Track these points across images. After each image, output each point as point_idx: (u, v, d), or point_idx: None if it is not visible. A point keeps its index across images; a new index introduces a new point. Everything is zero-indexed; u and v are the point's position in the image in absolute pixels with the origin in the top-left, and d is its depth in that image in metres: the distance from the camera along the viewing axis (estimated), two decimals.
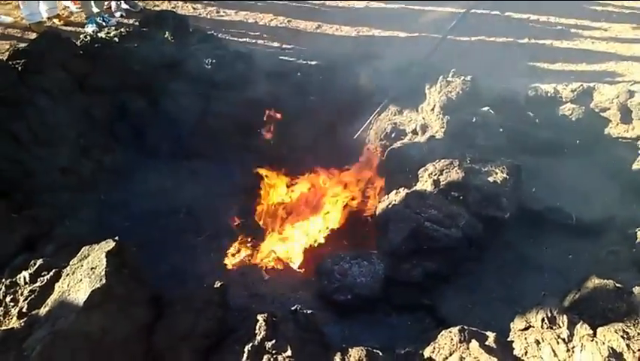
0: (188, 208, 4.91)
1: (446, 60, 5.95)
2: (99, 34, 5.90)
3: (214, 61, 5.81)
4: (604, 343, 2.25)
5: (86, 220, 4.46)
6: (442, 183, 4.23)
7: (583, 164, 4.97)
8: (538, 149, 5.12)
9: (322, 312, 3.82)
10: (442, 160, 4.40)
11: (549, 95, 5.21)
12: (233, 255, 4.51)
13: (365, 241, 4.70)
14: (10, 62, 4.79)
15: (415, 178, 4.52)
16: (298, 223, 5.15)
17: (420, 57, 5.57)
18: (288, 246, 4.86)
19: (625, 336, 2.27)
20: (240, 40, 7.40)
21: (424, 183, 4.33)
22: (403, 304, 3.90)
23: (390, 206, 4.30)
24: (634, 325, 2.34)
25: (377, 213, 4.46)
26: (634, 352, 2.20)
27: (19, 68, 4.77)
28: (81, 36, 5.64)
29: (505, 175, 4.27)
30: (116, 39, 5.80)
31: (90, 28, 7.15)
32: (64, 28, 7.42)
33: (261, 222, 5.06)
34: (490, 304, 3.84)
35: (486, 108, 4.94)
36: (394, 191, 4.47)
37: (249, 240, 4.69)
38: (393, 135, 5.39)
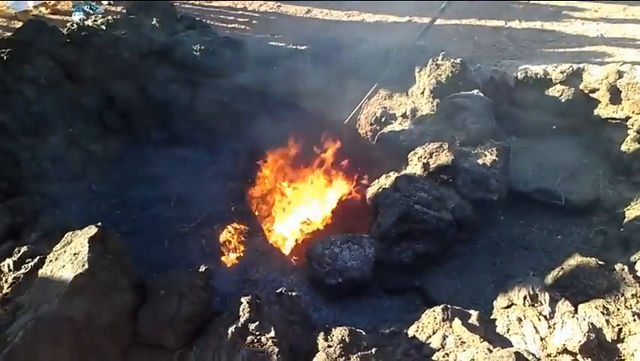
0: (178, 196, 4.90)
1: (436, 43, 5.92)
2: (86, 23, 5.83)
3: (203, 47, 5.77)
4: (584, 319, 2.27)
5: (75, 209, 4.48)
6: (431, 166, 4.23)
7: (572, 145, 4.97)
8: (528, 130, 5.12)
9: (314, 296, 3.86)
10: (432, 143, 4.40)
11: (539, 76, 5.19)
12: (224, 241, 4.51)
13: (355, 224, 4.71)
14: None
15: (405, 162, 4.52)
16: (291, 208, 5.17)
17: (410, 40, 5.52)
18: (280, 230, 4.89)
19: (605, 312, 2.30)
20: (229, 26, 7.34)
21: (414, 167, 4.34)
22: (393, 286, 3.94)
23: (380, 190, 4.31)
24: (614, 301, 2.37)
25: (367, 197, 4.47)
26: (613, 327, 2.23)
27: (5, 57, 4.73)
28: (68, 24, 5.58)
29: (494, 157, 4.28)
30: (104, 27, 5.74)
31: (77, 17, 7.08)
32: (51, 16, 7.35)
33: (252, 208, 5.06)
34: (479, 285, 3.87)
35: (475, 91, 4.92)
36: (384, 175, 4.48)
37: (241, 226, 4.69)
38: (383, 119, 5.37)
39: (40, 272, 2.37)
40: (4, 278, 2.45)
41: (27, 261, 2.50)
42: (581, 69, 5.06)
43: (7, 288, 2.38)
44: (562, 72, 5.10)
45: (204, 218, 4.67)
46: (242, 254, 4.33)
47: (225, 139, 5.59)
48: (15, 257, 2.53)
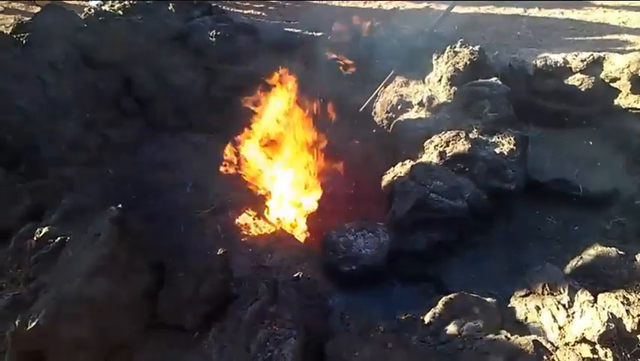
0: (194, 181, 4.93)
1: (454, 30, 5.85)
2: (103, 8, 5.86)
3: (218, 33, 5.76)
4: (604, 309, 2.25)
5: (92, 193, 4.51)
6: (447, 154, 4.21)
7: (591, 135, 4.91)
8: (546, 120, 5.06)
9: (327, 283, 3.87)
10: (449, 132, 4.37)
11: (558, 65, 5.12)
12: (239, 227, 4.53)
13: (371, 212, 4.70)
14: (15, 36, 4.78)
15: (421, 150, 4.49)
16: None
17: (427, 27, 5.47)
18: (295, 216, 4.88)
19: (625, 302, 2.27)
20: (245, 12, 7.32)
21: (430, 155, 4.31)
22: (407, 275, 3.93)
23: (395, 178, 4.30)
24: (635, 291, 2.34)
25: (383, 184, 4.46)
26: (633, 317, 2.21)
27: (24, 42, 4.77)
28: (85, 9, 5.61)
29: (511, 146, 4.24)
30: (120, 12, 5.77)
31: (94, 2, 7.08)
32: (69, 1, 7.39)
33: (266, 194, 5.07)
34: (494, 276, 3.85)
35: (494, 79, 4.86)
36: (400, 163, 4.46)
37: (255, 212, 4.70)
38: (399, 107, 5.34)
39: (62, 252, 2.41)
40: (26, 258, 2.49)
41: (49, 241, 2.53)
42: (601, 58, 4.98)
43: (29, 267, 2.42)
44: (582, 61, 5.03)
45: (219, 204, 4.70)
46: (256, 240, 4.34)
47: (240, 125, 5.58)
48: (36, 237, 2.57)
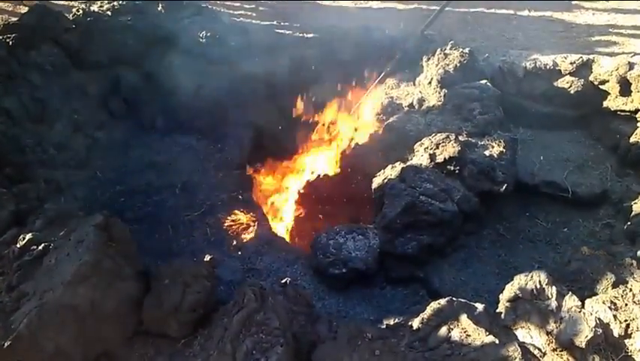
0: (183, 184, 4.89)
1: (444, 32, 5.85)
2: (92, 8, 5.80)
3: (209, 34, 5.72)
4: (591, 314, 2.25)
5: (80, 196, 4.48)
6: (437, 157, 4.20)
7: (580, 137, 4.93)
8: (536, 122, 5.08)
9: (317, 285, 3.85)
10: (439, 134, 4.36)
11: (548, 67, 5.13)
12: (228, 230, 4.50)
13: (360, 215, 4.70)
14: (1, 37, 4.72)
15: (411, 152, 4.48)
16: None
17: (417, 29, 5.46)
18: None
19: (612, 307, 2.27)
20: (235, 12, 7.27)
21: (420, 158, 4.30)
22: (397, 277, 3.92)
23: (385, 180, 4.28)
24: (622, 296, 2.34)
25: (373, 187, 4.45)
26: (621, 322, 2.21)
27: (11, 43, 4.71)
28: (73, 10, 5.55)
29: (501, 149, 4.24)
30: (109, 13, 5.71)
31: (82, 2, 7.02)
32: (57, 2, 7.30)
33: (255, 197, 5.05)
34: (484, 277, 3.86)
35: (484, 81, 4.88)
36: (390, 165, 4.44)
37: (245, 214, 4.68)
38: (389, 109, 5.32)
39: (45, 260, 2.37)
40: (8, 265, 2.44)
41: (32, 248, 2.49)
42: (590, 60, 5.00)
43: (12, 275, 2.38)
44: (571, 63, 5.04)
45: (209, 206, 4.67)
46: (246, 243, 4.31)
47: (230, 127, 5.56)
48: (20, 244, 2.52)
